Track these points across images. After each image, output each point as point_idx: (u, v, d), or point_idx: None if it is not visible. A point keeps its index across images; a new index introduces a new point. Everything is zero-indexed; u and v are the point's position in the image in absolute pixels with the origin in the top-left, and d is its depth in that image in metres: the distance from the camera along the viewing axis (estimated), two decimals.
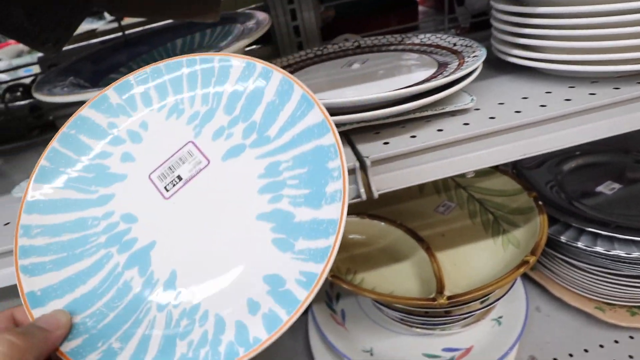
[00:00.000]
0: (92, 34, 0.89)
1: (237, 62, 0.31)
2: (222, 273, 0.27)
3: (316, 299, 0.68)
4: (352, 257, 0.61)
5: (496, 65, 0.48)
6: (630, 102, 0.37)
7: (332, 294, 0.71)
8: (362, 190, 0.35)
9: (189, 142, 0.30)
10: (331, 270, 0.52)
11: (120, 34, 0.63)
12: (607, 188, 0.65)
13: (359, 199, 0.35)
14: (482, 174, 0.68)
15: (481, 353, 0.57)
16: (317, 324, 0.64)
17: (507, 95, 0.41)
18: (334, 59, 0.54)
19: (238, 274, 0.27)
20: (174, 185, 0.29)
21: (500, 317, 0.61)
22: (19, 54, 1.95)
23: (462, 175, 0.50)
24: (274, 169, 0.28)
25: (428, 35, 0.52)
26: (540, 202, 0.57)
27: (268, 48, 0.69)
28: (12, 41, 1.97)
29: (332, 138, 0.27)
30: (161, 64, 0.32)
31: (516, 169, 0.70)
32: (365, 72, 0.47)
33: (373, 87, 0.43)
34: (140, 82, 0.32)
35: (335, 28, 0.77)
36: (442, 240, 0.61)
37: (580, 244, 0.56)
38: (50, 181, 0.30)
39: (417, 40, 0.52)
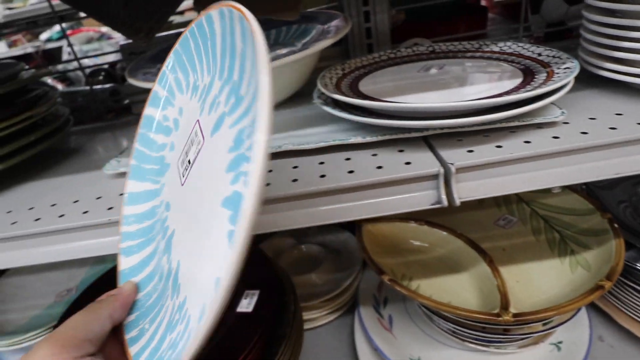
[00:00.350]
0: (169, 25, 0.93)
1: (215, 14, 0.27)
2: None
3: (364, 302, 0.68)
4: (407, 263, 0.60)
5: (584, 78, 0.46)
6: None
7: (379, 298, 0.70)
8: (443, 196, 0.35)
9: (196, 120, 0.28)
10: (387, 273, 0.52)
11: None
12: None
13: (439, 205, 0.35)
14: (547, 190, 0.65)
15: None
16: (364, 327, 0.64)
17: (598, 110, 0.40)
18: (407, 62, 0.54)
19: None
20: (186, 169, 0.27)
21: (560, 343, 0.59)
22: (89, 41, 2.08)
23: (547, 190, 0.49)
24: (240, 139, 0.23)
25: (508, 43, 0.51)
26: (615, 225, 0.54)
27: (337, 48, 0.69)
28: (83, 28, 2.10)
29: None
30: (177, 44, 0.31)
31: (588, 187, 0.67)
32: (443, 78, 0.46)
33: (454, 93, 0.42)
34: (171, 69, 0.32)
35: (404, 31, 0.77)
36: (503, 254, 0.59)
37: None
38: (138, 177, 0.33)
39: (496, 48, 0.51)
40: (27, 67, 0.56)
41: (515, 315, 0.44)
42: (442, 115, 0.37)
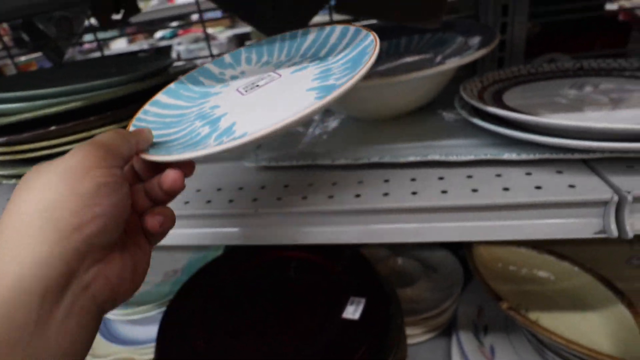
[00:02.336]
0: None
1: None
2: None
3: (463, 327, 0.65)
4: (522, 292, 0.56)
5: None
6: None
7: (479, 325, 0.66)
8: (612, 226, 0.32)
9: (271, 72, 0.36)
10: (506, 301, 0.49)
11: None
12: None
13: (604, 235, 0.32)
14: None
15: None
16: (464, 352, 0.61)
17: None
18: (552, 78, 0.51)
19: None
20: (251, 88, 0.34)
21: None
22: (196, 40, 2.25)
23: None
24: (326, 72, 0.32)
25: None
26: None
27: None
28: (193, 29, 2.28)
29: (372, 37, 0.31)
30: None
31: None
32: (601, 98, 0.43)
33: (618, 115, 0.39)
34: (245, 49, 0.40)
35: (537, 45, 0.72)
36: (636, 297, 0.53)
37: None
38: (170, 94, 0.37)
39: None
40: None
41: None
42: (610, 138, 0.33)
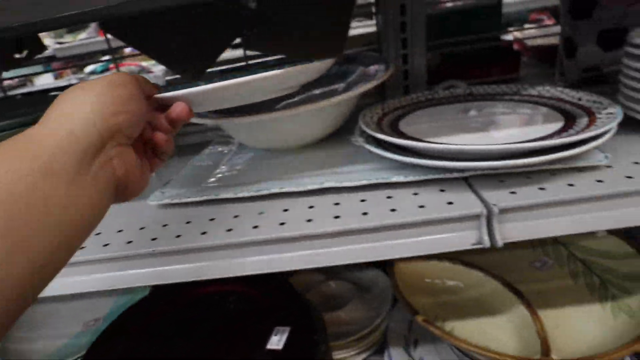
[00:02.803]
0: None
1: None
2: None
3: (394, 343, 0.67)
4: (440, 304, 0.59)
5: (624, 123, 0.46)
6: None
7: (410, 339, 0.68)
8: (485, 237, 0.35)
9: None
10: (422, 314, 0.52)
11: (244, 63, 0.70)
12: None
13: (480, 245, 0.35)
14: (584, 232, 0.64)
15: None
16: None
17: None
18: (445, 104, 0.56)
19: None
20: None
21: None
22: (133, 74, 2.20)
23: (592, 233, 0.48)
24: None
25: (546, 87, 0.52)
26: None
27: (374, 88, 0.71)
28: (126, 62, 2.23)
29: None
30: None
31: (626, 230, 0.65)
32: (483, 120, 0.47)
33: (495, 136, 0.43)
34: None
35: (439, 74, 0.79)
36: (540, 297, 0.58)
37: None
38: None
39: (534, 92, 0.52)
40: None
41: None
42: (484, 157, 0.37)
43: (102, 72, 2.24)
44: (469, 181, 0.40)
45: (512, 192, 0.36)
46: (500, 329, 0.53)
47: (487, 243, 0.35)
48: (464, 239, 0.36)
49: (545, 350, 0.46)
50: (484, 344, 0.51)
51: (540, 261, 0.65)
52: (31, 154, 0.23)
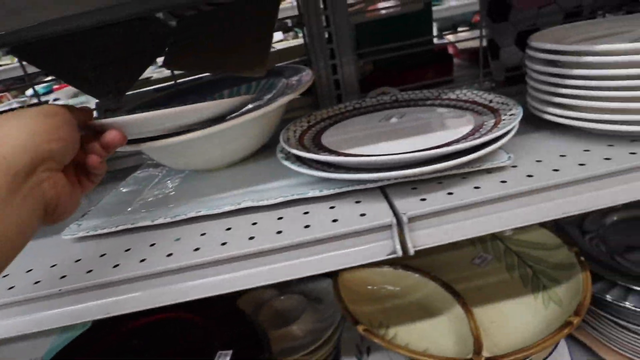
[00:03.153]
0: (147, 81, 0.97)
1: None
2: None
3: (346, 353, 0.67)
4: (384, 310, 0.60)
5: (533, 122, 0.48)
6: None
7: (362, 348, 0.69)
8: (397, 246, 0.35)
9: None
10: (363, 323, 0.52)
11: (172, 82, 0.68)
12: None
13: (394, 255, 0.36)
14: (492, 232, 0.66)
15: None
16: None
17: (544, 153, 0.42)
18: (372, 112, 0.56)
19: None
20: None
21: None
22: (76, 95, 2.12)
23: (501, 232, 0.50)
24: None
25: (464, 91, 0.54)
26: (582, 258, 0.55)
27: (308, 98, 0.72)
28: None
29: None
30: None
31: (556, 222, 0.68)
32: (403, 127, 0.48)
33: (411, 142, 0.44)
34: None
35: (373, 81, 0.80)
36: (479, 294, 0.60)
37: (627, 304, 0.53)
38: None
39: (453, 96, 0.54)
40: None
41: (487, 359, 0.44)
42: (396, 166, 0.38)
43: (44, 94, 2.15)
44: (385, 190, 0.40)
45: (423, 199, 0.37)
46: (440, 330, 0.54)
47: (399, 252, 0.35)
48: (378, 249, 0.36)
49: (478, 348, 0.47)
50: (425, 346, 0.52)
51: (479, 258, 0.67)
52: None
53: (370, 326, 0.56)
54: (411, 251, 0.35)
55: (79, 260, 0.38)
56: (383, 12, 0.78)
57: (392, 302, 0.60)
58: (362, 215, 0.37)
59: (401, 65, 0.81)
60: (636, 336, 0.56)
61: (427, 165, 0.37)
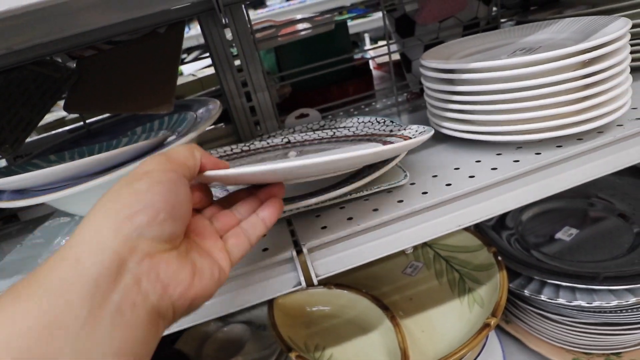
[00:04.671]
0: (61, 121, 0.92)
1: None
2: None
3: None
4: (320, 332, 0.60)
5: (437, 136, 0.50)
6: (550, 166, 0.39)
7: None
8: (301, 277, 0.36)
9: None
10: (298, 349, 0.52)
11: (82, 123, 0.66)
12: (566, 234, 0.66)
13: (300, 287, 0.36)
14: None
15: None
16: None
17: (440, 167, 0.44)
18: (265, 152, 0.55)
19: None
20: None
21: None
22: None
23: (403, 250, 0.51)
24: None
25: (360, 126, 0.54)
26: (499, 258, 0.57)
27: (227, 127, 0.71)
28: None
29: None
30: None
31: (477, 224, 0.71)
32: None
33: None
34: None
35: (294, 101, 0.81)
36: (410, 304, 0.61)
37: (543, 297, 0.56)
38: None
39: (349, 133, 0.54)
40: None
41: None
42: (301, 197, 0.38)
43: None
44: (291, 221, 0.40)
45: (324, 227, 0.37)
46: (373, 346, 0.55)
47: (304, 284, 0.36)
48: (284, 282, 0.36)
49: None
50: None
51: (411, 266, 0.69)
52: (28, 305, 0.18)
53: (306, 350, 0.55)
54: (315, 281, 0.36)
55: None
56: (299, 33, 0.80)
57: (328, 322, 0.61)
58: (265, 250, 0.37)
59: (322, 81, 0.82)
60: (557, 325, 0.59)
61: (328, 192, 0.37)
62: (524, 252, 0.64)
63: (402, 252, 0.72)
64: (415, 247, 0.72)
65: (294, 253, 0.35)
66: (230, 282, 0.36)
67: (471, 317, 0.55)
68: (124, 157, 0.43)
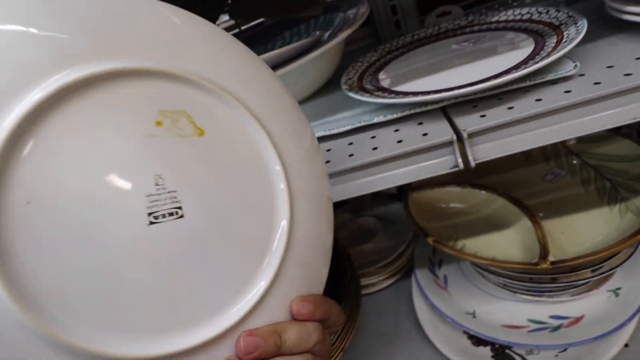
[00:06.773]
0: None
1: None
2: None
3: (420, 265, 0.73)
4: (453, 225, 0.63)
5: (609, 24, 0.45)
6: None
7: (434, 260, 0.74)
8: (459, 160, 0.38)
9: None
10: (433, 235, 0.57)
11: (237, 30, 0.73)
12: None
13: (457, 168, 0.39)
14: (599, 138, 0.64)
15: (594, 323, 0.56)
16: (420, 287, 0.68)
17: (617, 57, 0.40)
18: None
19: None
20: None
21: (618, 289, 0.59)
22: None
23: (597, 139, 0.49)
24: None
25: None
26: None
27: (366, 29, 0.72)
28: None
29: None
30: None
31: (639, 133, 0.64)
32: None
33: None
34: None
35: (429, 1, 0.77)
36: (549, 208, 0.60)
37: None
38: None
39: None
40: None
41: (552, 262, 0.47)
42: (457, 87, 0.40)
43: None
44: (446, 110, 0.42)
45: (483, 116, 0.39)
46: (507, 241, 0.57)
47: (461, 165, 0.38)
48: (441, 164, 0.39)
49: (544, 254, 0.49)
50: (492, 255, 0.56)
51: (552, 173, 0.66)
52: None
53: (440, 239, 0.60)
54: (472, 164, 0.38)
55: None
56: None
57: (460, 218, 0.64)
58: (425, 135, 0.40)
59: None
60: None
61: (481, 84, 0.38)
62: None
63: (543, 159, 0.69)
64: (557, 155, 0.69)
65: (455, 137, 0.38)
66: (389, 162, 0.40)
67: (622, 225, 0.53)
68: (289, 54, 0.48)
